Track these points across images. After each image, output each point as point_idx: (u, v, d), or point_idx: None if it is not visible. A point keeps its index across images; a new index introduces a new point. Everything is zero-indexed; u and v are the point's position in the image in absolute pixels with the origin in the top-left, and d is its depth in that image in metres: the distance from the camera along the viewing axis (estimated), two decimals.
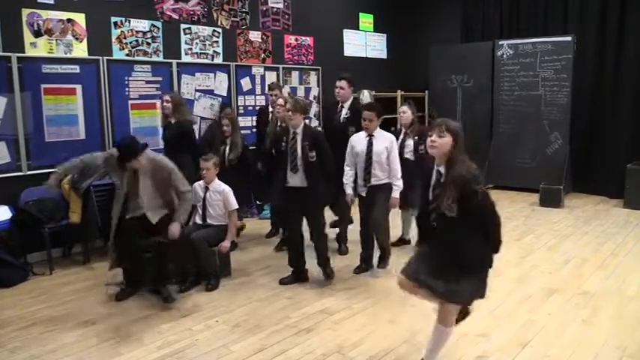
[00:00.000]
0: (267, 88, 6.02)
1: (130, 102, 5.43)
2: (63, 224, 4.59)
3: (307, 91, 7.37)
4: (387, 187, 4.10)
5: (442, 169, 2.43)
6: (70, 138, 5.00)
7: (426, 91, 8.46)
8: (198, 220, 4.22)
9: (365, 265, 4.32)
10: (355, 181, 4.16)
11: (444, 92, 8.19)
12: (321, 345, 3.08)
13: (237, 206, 4.22)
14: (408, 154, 4.60)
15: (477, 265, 2.45)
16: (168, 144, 4.93)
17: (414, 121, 4.72)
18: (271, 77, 6.83)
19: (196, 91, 6.04)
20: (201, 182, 4.24)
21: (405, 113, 4.69)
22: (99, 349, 3.09)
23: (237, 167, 4.95)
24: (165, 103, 4.87)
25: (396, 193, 4.09)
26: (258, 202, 6.27)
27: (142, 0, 5.50)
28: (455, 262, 2.43)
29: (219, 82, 6.29)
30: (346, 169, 4.19)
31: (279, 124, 4.87)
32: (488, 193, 2.40)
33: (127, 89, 5.40)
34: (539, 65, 7.29)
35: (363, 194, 4.15)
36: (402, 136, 4.69)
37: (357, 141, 4.13)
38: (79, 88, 5.03)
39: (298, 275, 4.11)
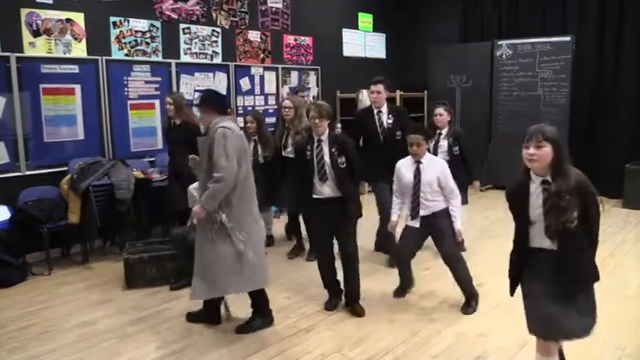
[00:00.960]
0: (294, 91, 5.94)
1: (129, 102, 5.43)
2: (62, 224, 4.58)
3: (306, 91, 7.36)
4: (447, 213, 3.57)
5: (549, 179, 2.17)
6: (69, 138, 4.99)
7: (425, 92, 8.45)
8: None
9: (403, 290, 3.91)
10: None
11: (443, 92, 8.17)
12: (320, 345, 3.08)
13: None
14: (442, 155, 4.52)
15: (595, 277, 2.25)
16: (173, 145, 4.79)
17: (450, 122, 4.72)
18: (270, 77, 6.83)
19: (195, 91, 6.03)
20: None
21: (442, 115, 4.67)
22: (98, 349, 3.09)
23: (271, 164, 4.79)
24: (167, 105, 4.72)
25: (457, 223, 3.54)
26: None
27: (141, 0, 5.51)
28: (576, 281, 2.19)
29: (219, 82, 6.29)
30: (394, 199, 3.75)
31: (286, 125, 4.82)
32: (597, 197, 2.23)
33: (126, 89, 5.39)
34: (538, 65, 7.30)
35: (416, 225, 3.60)
36: (436, 137, 4.70)
37: (404, 169, 3.61)
38: (77, 88, 5.03)
39: (337, 294, 3.72)
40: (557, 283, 2.19)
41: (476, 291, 3.61)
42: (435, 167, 3.54)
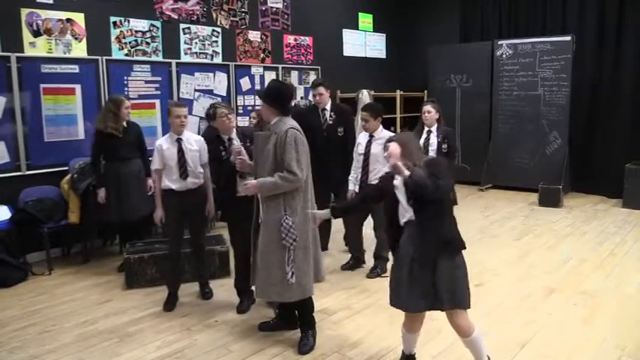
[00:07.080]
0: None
1: (129, 102, 5.41)
2: (62, 224, 4.59)
3: (306, 91, 7.36)
4: None
5: None
6: (69, 138, 4.99)
7: (425, 91, 8.45)
8: (174, 185, 3.60)
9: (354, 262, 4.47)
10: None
11: (443, 92, 8.18)
12: (320, 345, 3.07)
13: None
14: (432, 153, 4.55)
15: None
16: (131, 146, 4.53)
17: (439, 120, 4.62)
18: (271, 77, 6.83)
19: (195, 90, 6.04)
20: (167, 137, 3.68)
21: (430, 113, 4.58)
22: (98, 349, 3.09)
23: None
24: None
25: None
26: None
27: (141, 0, 5.51)
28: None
29: (219, 82, 6.29)
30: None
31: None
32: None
33: (126, 89, 5.39)
34: (539, 65, 7.30)
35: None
36: (425, 135, 4.64)
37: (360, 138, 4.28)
38: (78, 87, 5.03)
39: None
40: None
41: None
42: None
